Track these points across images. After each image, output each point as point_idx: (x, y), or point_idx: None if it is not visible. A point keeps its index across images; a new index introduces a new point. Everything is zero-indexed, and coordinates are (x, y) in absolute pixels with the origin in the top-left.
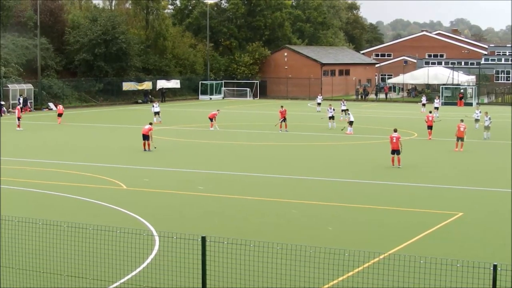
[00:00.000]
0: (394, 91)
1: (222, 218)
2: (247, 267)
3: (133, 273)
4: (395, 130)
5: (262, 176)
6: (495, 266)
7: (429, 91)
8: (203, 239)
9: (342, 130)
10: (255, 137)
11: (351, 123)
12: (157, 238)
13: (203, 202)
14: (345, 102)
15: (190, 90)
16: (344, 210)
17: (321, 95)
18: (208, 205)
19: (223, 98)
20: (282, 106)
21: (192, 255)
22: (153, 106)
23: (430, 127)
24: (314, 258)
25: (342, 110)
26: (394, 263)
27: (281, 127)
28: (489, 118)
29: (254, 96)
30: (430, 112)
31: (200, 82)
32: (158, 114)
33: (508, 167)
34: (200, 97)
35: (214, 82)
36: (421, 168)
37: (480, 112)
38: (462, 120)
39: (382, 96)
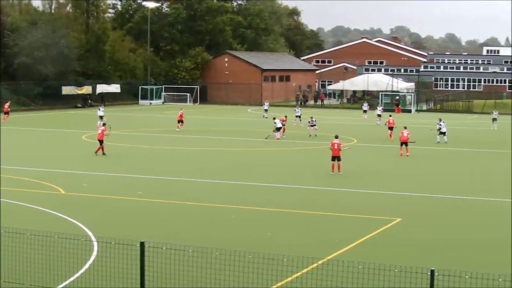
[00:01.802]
0: (334, 97)
1: (161, 224)
2: (186, 272)
3: (71, 278)
4: (336, 137)
5: (202, 181)
6: (432, 271)
7: (369, 98)
8: (142, 245)
9: (266, 138)
10: (195, 143)
11: (278, 129)
12: (95, 244)
13: (142, 207)
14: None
15: (130, 95)
16: (283, 216)
17: (267, 101)
18: (147, 211)
19: (163, 103)
20: (286, 116)
21: (130, 261)
22: (98, 109)
23: (390, 128)
24: (253, 263)
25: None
26: (333, 269)
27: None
28: (441, 124)
29: (195, 101)
30: (390, 115)
31: (140, 86)
32: (102, 118)
33: (448, 173)
34: (140, 101)
35: (154, 87)
36: (361, 174)
37: (443, 122)
38: (405, 127)
39: (327, 102)
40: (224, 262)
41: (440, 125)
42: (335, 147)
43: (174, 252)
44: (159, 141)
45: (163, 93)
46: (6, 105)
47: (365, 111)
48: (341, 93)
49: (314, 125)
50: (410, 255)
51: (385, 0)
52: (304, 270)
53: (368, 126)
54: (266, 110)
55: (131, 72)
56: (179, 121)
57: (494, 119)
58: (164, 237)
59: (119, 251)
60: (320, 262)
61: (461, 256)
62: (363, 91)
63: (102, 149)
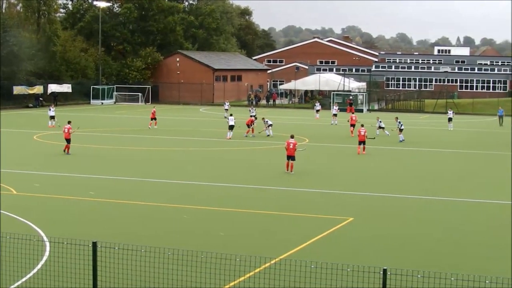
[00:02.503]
0: (286, 97)
1: (113, 224)
2: (139, 272)
3: (24, 279)
4: (292, 136)
5: (154, 181)
6: (384, 271)
7: (320, 97)
8: (94, 245)
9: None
10: (146, 142)
11: (231, 127)
12: (47, 244)
13: (95, 207)
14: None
15: (81, 95)
16: (236, 215)
17: (228, 101)
18: (100, 211)
19: (115, 102)
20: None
21: (83, 261)
22: (49, 110)
23: (353, 125)
24: (206, 263)
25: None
26: (286, 268)
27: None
28: (400, 122)
29: (146, 101)
30: (353, 113)
31: (91, 86)
32: (54, 118)
33: (400, 172)
34: (92, 101)
35: (106, 87)
36: (314, 174)
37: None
38: (362, 125)
39: (279, 101)
40: (176, 262)
41: (399, 123)
42: (291, 146)
43: (126, 252)
44: (110, 141)
45: (114, 93)
46: None
47: (317, 111)
48: (289, 92)
49: (271, 124)
50: (363, 255)
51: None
52: (257, 270)
53: (321, 125)
54: (226, 110)
55: (83, 71)
56: (152, 119)
57: (450, 119)
58: (117, 237)
59: (72, 251)
60: (273, 262)
61: (413, 256)
62: (312, 91)
63: (68, 148)
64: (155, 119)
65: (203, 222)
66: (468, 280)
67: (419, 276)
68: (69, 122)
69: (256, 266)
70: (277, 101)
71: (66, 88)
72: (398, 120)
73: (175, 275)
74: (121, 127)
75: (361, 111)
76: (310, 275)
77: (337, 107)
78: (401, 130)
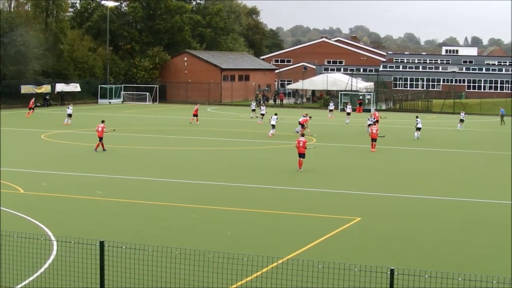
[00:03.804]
0: (293, 96)
1: (121, 223)
2: (146, 271)
3: (30, 278)
4: (303, 135)
5: (162, 180)
6: (392, 271)
7: (328, 97)
8: (101, 244)
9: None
10: (154, 142)
11: (273, 126)
12: (55, 243)
13: (102, 206)
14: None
15: (89, 94)
16: (244, 215)
17: (254, 102)
18: (107, 210)
19: (123, 102)
20: (306, 114)
21: (90, 260)
22: (68, 108)
23: (377, 121)
24: (213, 263)
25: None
26: (293, 268)
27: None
28: (419, 121)
29: (154, 100)
30: (376, 109)
31: (99, 85)
32: (70, 117)
33: (407, 172)
34: (99, 101)
35: (114, 86)
36: (323, 173)
37: (419, 119)
38: (374, 123)
39: (286, 101)
40: (184, 262)
41: (417, 121)
42: (300, 144)
43: (134, 251)
44: (118, 141)
45: (122, 92)
46: None
47: (331, 110)
48: (296, 92)
49: (273, 125)
50: (370, 255)
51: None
52: (264, 269)
53: (334, 125)
54: (253, 110)
55: (90, 71)
56: (194, 115)
57: (461, 120)
58: (124, 236)
59: (79, 250)
60: (280, 261)
61: (421, 256)
62: (326, 91)
63: (102, 145)
64: (196, 116)
65: (211, 221)
66: (475, 281)
67: (426, 276)
68: (102, 121)
69: (263, 266)
70: (285, 101)
71: (73, 87)
72: (418, 119)
73: (182, 275)
74: (129, 127)
75: (369, 111)
76: (317, 275)
77: (351, 106)
78: (418, 128)
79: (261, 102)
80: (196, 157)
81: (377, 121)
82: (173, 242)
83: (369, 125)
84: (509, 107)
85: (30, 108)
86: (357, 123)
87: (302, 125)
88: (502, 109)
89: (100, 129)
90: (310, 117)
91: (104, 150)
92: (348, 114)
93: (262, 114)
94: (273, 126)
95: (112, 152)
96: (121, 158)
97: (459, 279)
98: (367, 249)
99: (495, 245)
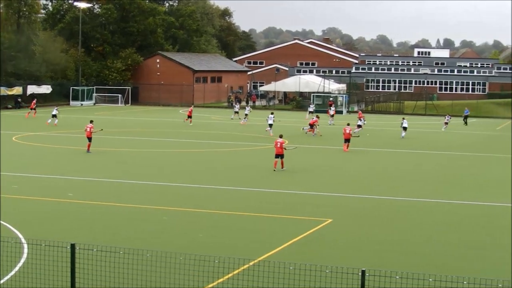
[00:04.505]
0: (264, 98)
1: (92, 225)
2: (117, 274)
3: (1, 281)
4: (280, 136)
5: (133, 183)
6: (363, 272)
7: (300, 99)
8: (72, 247)
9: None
10: (127, 144)
11: (270, 125)
12: (25, 246)
13: (73, 209)
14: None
15: (61, 96)
16: (216, 217)
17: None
18: (78, 212)
19: (95, 104)
20: (317, 115)
21: (61, 263)
22: (54, 109)
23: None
24: (185, 265)
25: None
26: (264, 269)
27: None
28: (406, 121)
29: (126, 102)
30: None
31: (71, 87)
32: (55, 117)
33: (379, 173)
34: (71, 102)
35: (86, 88)
36: (295, 175)
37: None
38: (348, 124)
39: (258, 103)
40: (155, 264)
41: (403, 121)
42: (278, 145)
43: (105, 253)
44: (85, 143)
45: (94, 94)
46: None
47: (311, 112)
48: (267, 94)
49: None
50: (341, 256)
51: (317, 0)
52: (236, 271)
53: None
54: (236, 113)
55: (62, 72)
56: (189, 116)
57: (446, 123)
58: (95, 239)
59: (50, 252)
60: (251, 263)
61: (392, 257)
62: (299, 93)
63: (88, 146)
64: (191, 117)
65: (183, 223)
66: (446, 281)
67: (397, 277)
68: (91, 122)
69: (235, 268)
70: (257, 103)
71: (45, 89)
72: (404, 119)
73: (154, 277)
74: (103, 128)
75: (341, 112)
76: (288, 277)
77: (334, 108)
78: (404, 128)
79: (234, 104)
80: (169, 158)
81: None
82: (144, 244)
83: (359, 125)
84: (483, 109)
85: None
86: (340, 125)
87: (312, 126)
88: (466, 109)
89: (88, 129)
90: (318, 117)
91: (88, 151)
92: (332, 116)
93: (246, 115)
94: (271, 125)
95: (83, 154)
96: (93, 160)
97: (430, 279)
98: (338, 250)
99: (467, 245)
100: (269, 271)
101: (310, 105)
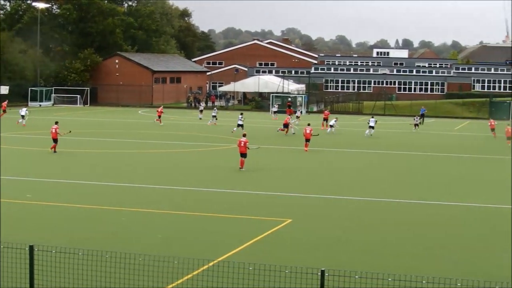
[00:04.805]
0: (222, 99)
1: (50, 227)
2: (77, 275)
3: None
4: (244, 135)
5: (91, 183)
6: (322, 272)
7: (259, 100)
8: (31, 248)
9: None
10: (85, 144)
11: (240, 125)
12: None
13: (32, 210)
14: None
15: (19, 97)
16: (175, 218)
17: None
18: (37, 214)
19: (53, 104)
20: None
21: (20, 265)
22: (21, 110)
23: (325, 119)
24: (144, 265)
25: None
26: (224, 270)
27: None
28: (375, 121)
29: (85, 103)
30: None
31: (29, 88)
32: (23, 118)
33: (339, 174)
34: (30, 103)
35: (44, 89)
36: (255, 175)
37: (375, 120)
38: (309, 124)
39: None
40: (115, 265)
41: (369, 121)
42: (242, 144)
43: (64, 255)
44: (48, 143)
45: (53, 95)
46: None
47: (275, 112)
48: (225, 94)
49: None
50: (301, 256)
51: (276, 0)
52: (195, 272)
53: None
54: (201, 111)
55: (21, 73)
56: (159, 116)
57: (416, 125)
58: (54, 240)
59: (8, 254)
60: (211, 264)
61: (351, 257)
62: (259, 93)
63: (54, 147)
64: (160, 117)
65: (142, 224)
66: (405, 281)
67: (356, 277)
68: (56, 123)
69: (194, 268)
70: (216, 103)
71: (3, 90)
72: (372, 118)
73: (114, 278)
74: (61, 129)
75: (300, 113)
76: (248, 277)
77: (301, 109)
78: (371, 127)
79: (192, 105)
80: (127, 159)
81: (325, 119)
82: (103, 246)
83: (331, 125)
84: (439, 109)
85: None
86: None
87: (285, 125)
88: (422, 108)
89: (54, 130)
90: (297, 116)
91: (54, 152)
92: (298, 117)
93: (214, 116)
94: (239, 125)
95: (41, 155)
96: (51, 161)
97: (389, 279)
98: (298, 250)
99: (425, 245)
100: (229, 272)
101: (274, 105)
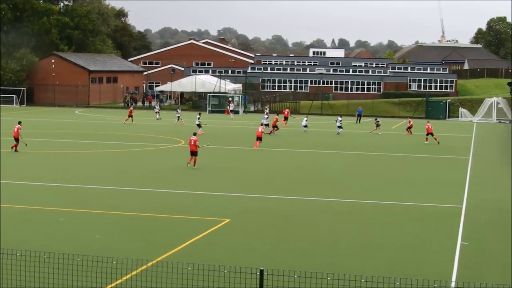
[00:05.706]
0: (158, 98)
1: None
2: (14, 276)
3: None
4: (194, 134)
5: (28, 184)
6: (261, 271)
7: (196, 99)
8: None
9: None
10: (20, 144)
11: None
12: None
13: None
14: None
15: None
16: (113, 218)
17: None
18: None
19: None
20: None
21: None
22: None
23: (286, 118)
24: (82, 266)
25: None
26: (162, 270)
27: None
28: (339, 120)
29: (21, 103)
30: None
31: None
32: None
33: (279, 174)
34: None
35: None
36: (195, 175)
37: (341, 119)
38: (261, 124)
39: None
40: (52, 266)
41: (337, 120)
42: (192, 143)
43: (1, 256)
44: None
45: None
46: None
47: (232, 111)
48: (161, 94)
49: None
50: (240, 256)
51: (212, 0)
52: (134, 272)
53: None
54: (157, 113)
55: None
56: (129, 116)
57: (378, 125)
58: None
59: None
60: (150, 264)
61: (290, 256)
62: (198, 93)
63: (15, 146)
64: (131, 116)
65: (79, 225)
66: (344, 280)
67: (295, 276)
68: (19, 123)
69: (133, 269)
70: (153, 103)
71: None
72: (340, 119)
73: (52, 279)
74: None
75: (237, 112)
76: (187, 277)
77: (267, 110)
78: (339, 126)
79: (129, 105)
80: (64, 159)
81: (285, 117)
82: (40, 246)
83: (305, 126)
84: (376, 108)
85: None
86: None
87: (274, 126)
88: (359, 108)
89: (16, 130)
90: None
91: (15, 151)
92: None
93: (178, 117)
94: (198, 125)
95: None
96: None
97: (328, 278)
98: (236, 250)
99: (364, 244)
100: (168, 272)
101: (230, 104)
